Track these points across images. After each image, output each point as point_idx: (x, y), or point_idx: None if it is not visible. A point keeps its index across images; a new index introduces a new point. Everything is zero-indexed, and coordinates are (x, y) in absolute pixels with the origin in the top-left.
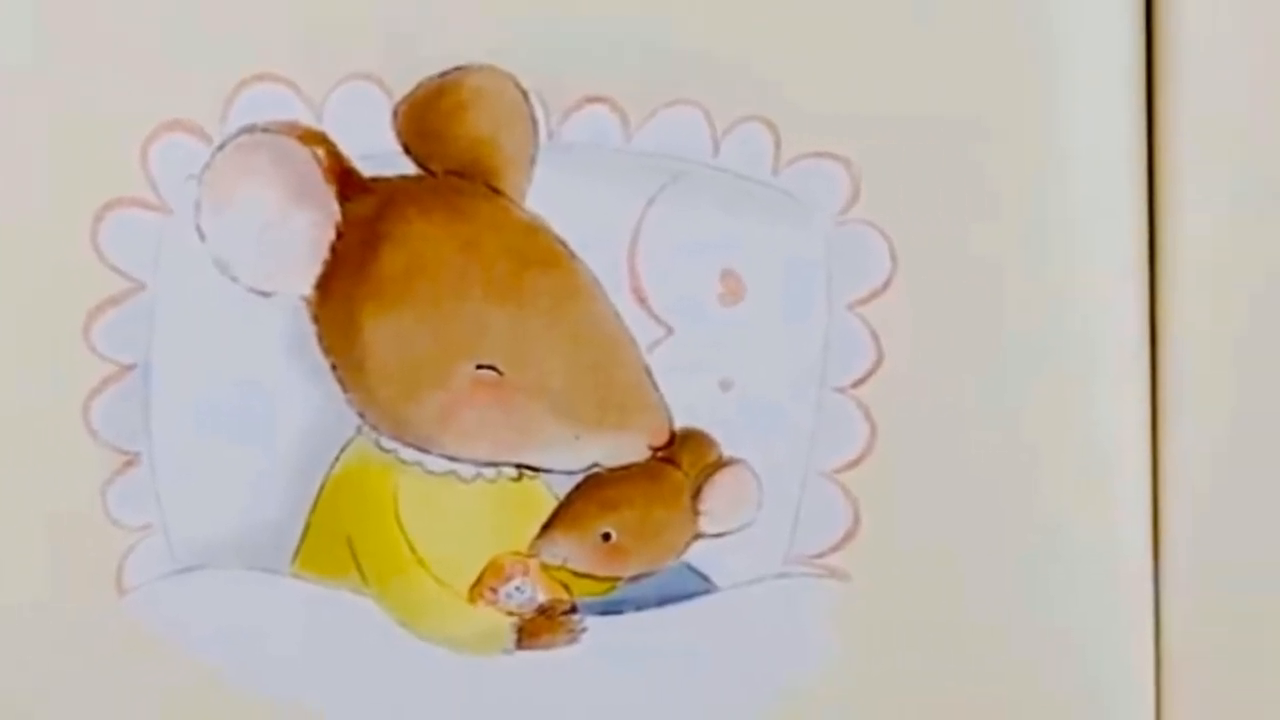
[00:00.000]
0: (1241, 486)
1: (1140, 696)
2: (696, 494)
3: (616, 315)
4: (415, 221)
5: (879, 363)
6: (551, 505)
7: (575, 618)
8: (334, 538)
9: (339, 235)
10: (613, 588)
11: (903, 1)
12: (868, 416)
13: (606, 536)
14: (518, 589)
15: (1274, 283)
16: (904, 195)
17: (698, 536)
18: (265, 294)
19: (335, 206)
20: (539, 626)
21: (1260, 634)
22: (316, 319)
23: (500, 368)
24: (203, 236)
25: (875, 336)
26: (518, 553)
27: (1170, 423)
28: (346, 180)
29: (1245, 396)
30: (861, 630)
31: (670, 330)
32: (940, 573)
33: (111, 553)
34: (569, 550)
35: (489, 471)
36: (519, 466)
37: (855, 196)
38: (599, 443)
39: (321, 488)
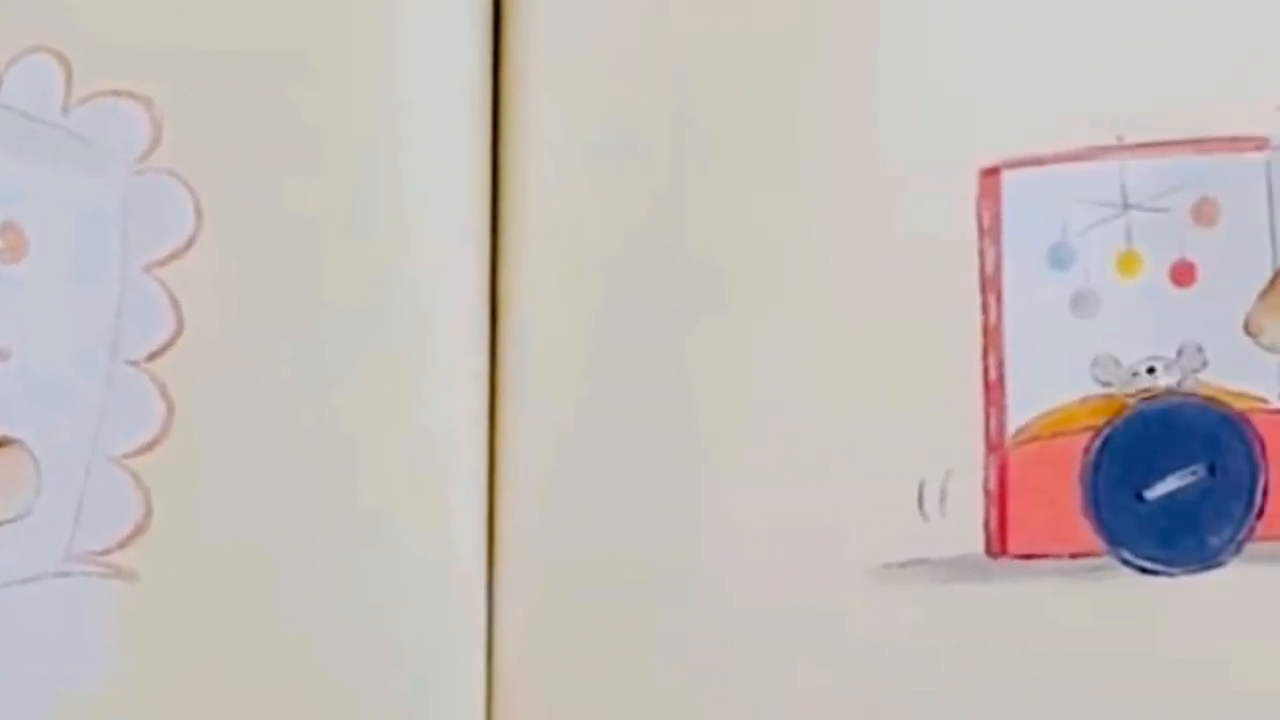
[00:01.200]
0: (588, 483)
1: (470, 713)
2: None
3: None
4: None
5: (178, 333)
6: None
7: None
8: None
9: None
10: None
11: None
12: (164, 394)
13: None
14: None
15: (632, 251)
16: (212, 142)
17: None
18: None
19: None
20: None
21: (603, 646)
22: None
23: None
24: None
25: (175, 303)
26: None
27: (511, 409)
28: None
29: (596, 380)
30: (151, 636)
31: None
32: (244, 574)
33: None
34: None
35: None
36: None
37: (156, 141)
38: None
39: None
